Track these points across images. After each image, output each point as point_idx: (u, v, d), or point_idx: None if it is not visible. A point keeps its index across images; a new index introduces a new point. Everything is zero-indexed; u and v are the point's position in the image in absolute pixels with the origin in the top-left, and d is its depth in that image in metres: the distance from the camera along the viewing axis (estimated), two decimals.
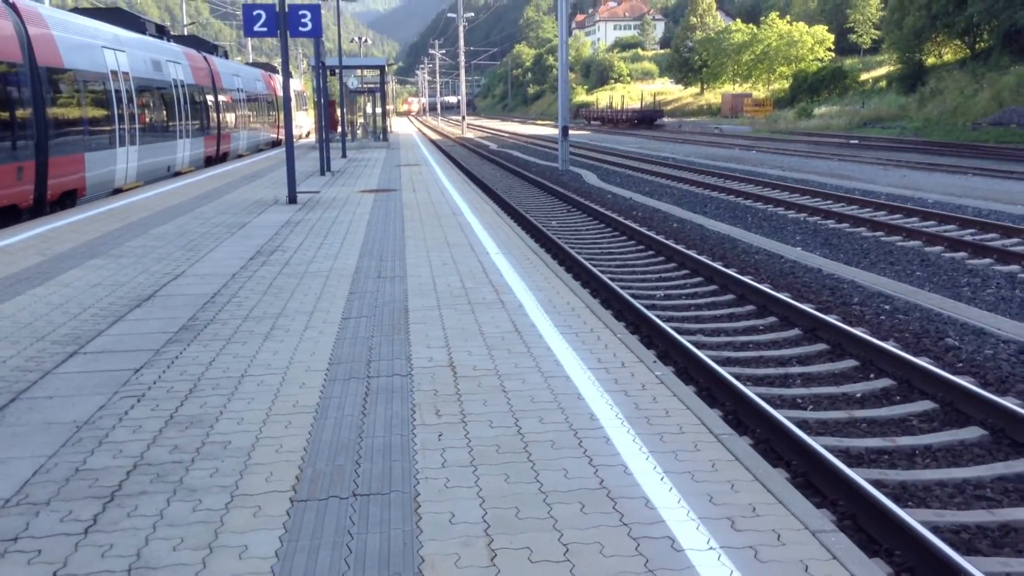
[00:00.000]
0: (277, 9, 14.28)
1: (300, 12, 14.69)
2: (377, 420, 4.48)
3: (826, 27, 76.91)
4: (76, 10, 21.26)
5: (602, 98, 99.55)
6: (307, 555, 3.14)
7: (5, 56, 12.98)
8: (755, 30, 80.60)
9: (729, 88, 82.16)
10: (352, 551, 3.16)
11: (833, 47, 75.73)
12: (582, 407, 4.62)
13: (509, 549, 3.16)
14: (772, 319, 8.94)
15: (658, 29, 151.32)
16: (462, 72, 74.19)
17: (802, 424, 6.09)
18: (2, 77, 12.91)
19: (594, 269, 11.11)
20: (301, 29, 14.68)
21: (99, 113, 16.53)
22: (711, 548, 3.14)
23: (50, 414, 4.67)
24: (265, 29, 14.52)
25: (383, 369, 5.37)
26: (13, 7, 13.74)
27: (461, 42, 69.07)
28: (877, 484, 5.06)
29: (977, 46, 48.17)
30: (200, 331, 6.35)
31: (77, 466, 3.97)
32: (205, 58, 26.93)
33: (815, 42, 75.20)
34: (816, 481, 5.17)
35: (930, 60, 51.71)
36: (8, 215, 12.96)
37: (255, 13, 14.46)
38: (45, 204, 14.17)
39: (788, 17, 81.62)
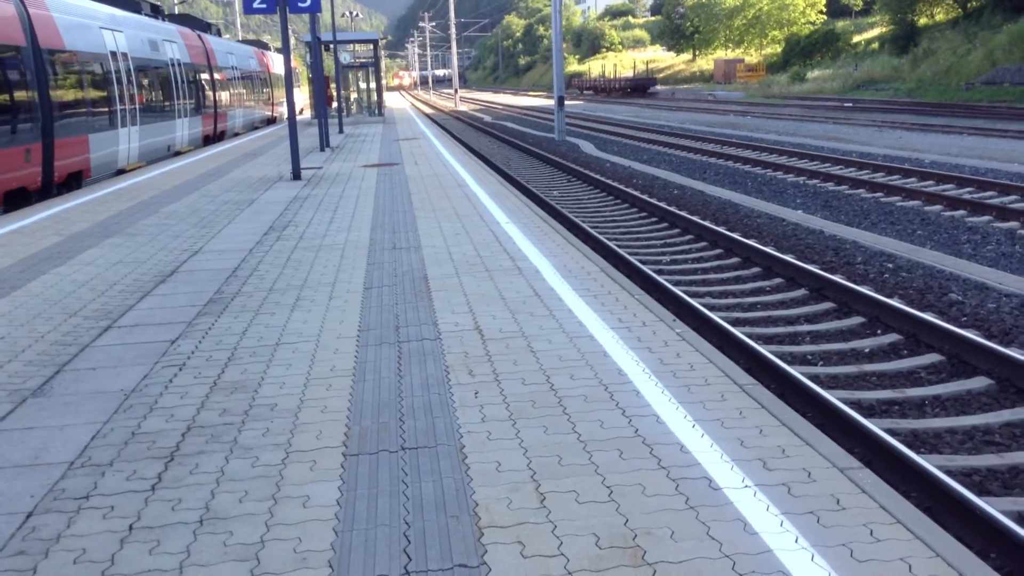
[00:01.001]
0: None
1: None
2: (414, 381, 4.68)
3: None
4: None
5: (594, 67, 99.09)
6: (367, 502, 3.34)
7: (9, 39, 13.04)
8: None
9: (722, 54, 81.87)
10: (409, 498, 3.37)
11: (825, 10, 75.42)
12: (609, 364, 4.82)
13: (556, 492, 3.36)
14: (778, 280, 9.14)
15: None
16: (453, 44, 73.88)
17: (814, 378, 6.28)
18: (7, 60, 12.98)
19: (600, 236, 11.29)
20: (300, 5, 14.73)
21: (101, 94, 16.58)
22: (746, 486, 3.34)
23: (97, 384, 4.85)
24: (264, 6, 14.54)
25: (412, 334, 5.56)
26: None
27: (452, 13, 68.72)
28: (890, 432, 5.27)
29: (969, 5, 48.06)
30: (228, 303, 6.53)
31: (133, 430, 4.17)
32: (200, 36, 26.87)
33: (807, 5, 74.90)
34: (831, 431, 5.37)
35: (922, 20, 51.59)
36: (17, 198, 13.07)
37: None
38: (52, 186, 14.28)
39: None
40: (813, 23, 72.89)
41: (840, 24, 71.57)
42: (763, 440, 3.76)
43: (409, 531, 3.12)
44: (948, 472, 4.77)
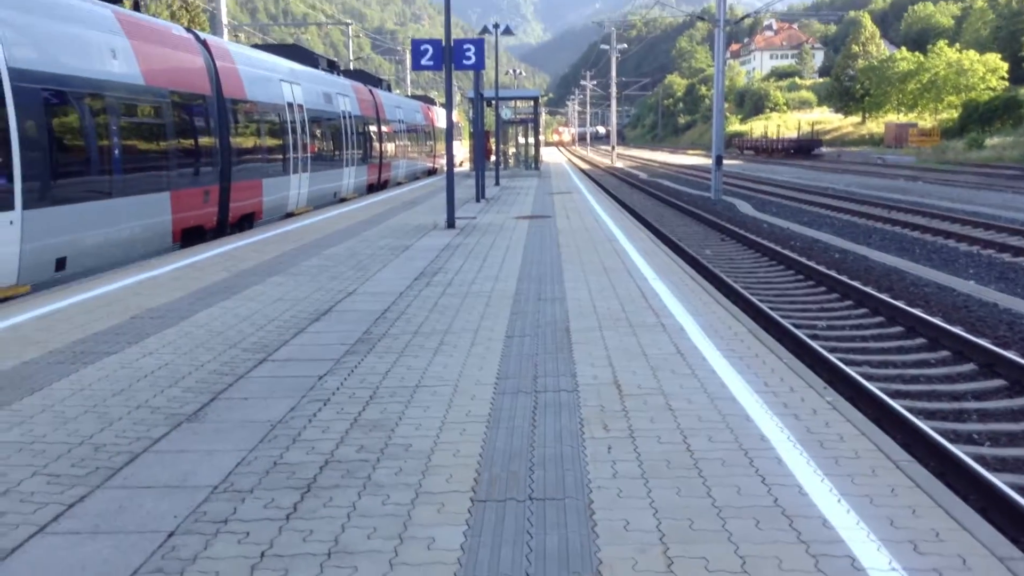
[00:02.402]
0: (443, 44, 14.89)
1: (464, 46, 15.27)
2: (547, 431, 4.63)
3: (999, 55, 72.96)
4: (256, 46, 22.78)
5: (756, 127, 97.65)
6: (490, 550, 3.30)
7: (196, 88, 14.10)
8: (922, 58, 77.36)
9: (893, 117, 79.01)
10: (532, 549, 3.30)
11: (1007, 75, 71.72)
12: (751, 428, 4.62)
13: (685, 558, 3.22)
14: (945, 353, 8.58)
15: (817, 58, 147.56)
16: (613, 102, 74.50)
17: (979, 459, 5.83)
18: (193, 108, 14.03)
19: (751, 297, 10.97)
20: (465, 63, 15.24)
21: (275, 142, 17.65)
22: (893, 569, 3.10)
23: (247, 413, 5.05)
24: (431, 63, 15.12)
25: (549, 384, 5.52)
26: (204, 43, 14.92)
27: (613, 72, 69.43)
28: None
29: None
30: (375, 344, 6.71)
31: (275, 460, 4.30)
32: (371, 91, 28.24)
33: (987, 71, 71.48)
34: (995, 517, 4.95)
35: None
36: (194, 235, 14.00)
37: (422, 48, 15.09)
38: (226, 226, 15.22)
39: (958, 45, 77.99)
40: (993, 89, 69.37)
41: (1023, 91, 67.80)
42: (915, 521, 3.49)
43: None
44: None
